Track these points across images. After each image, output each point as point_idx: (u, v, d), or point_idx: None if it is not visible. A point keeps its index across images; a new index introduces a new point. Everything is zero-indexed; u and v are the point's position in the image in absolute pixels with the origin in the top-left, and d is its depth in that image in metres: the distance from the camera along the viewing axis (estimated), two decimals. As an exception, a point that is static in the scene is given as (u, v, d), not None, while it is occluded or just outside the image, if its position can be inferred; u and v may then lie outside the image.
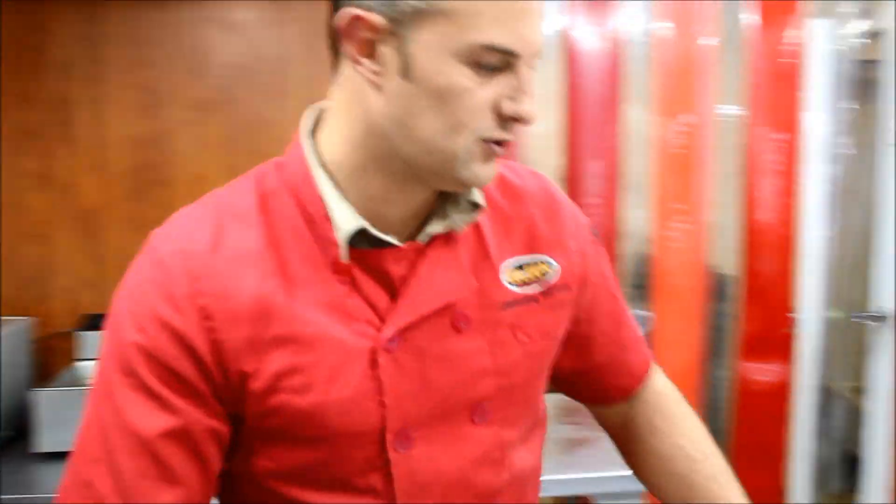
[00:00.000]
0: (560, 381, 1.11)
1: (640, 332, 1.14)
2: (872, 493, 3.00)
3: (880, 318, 2.67)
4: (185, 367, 0.81)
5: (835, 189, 2.76)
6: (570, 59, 2.58)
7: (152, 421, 0.80)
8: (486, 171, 0.84)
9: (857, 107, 2.75)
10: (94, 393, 0.84)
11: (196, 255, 0.82)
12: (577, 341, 1.05)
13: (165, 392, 0.80)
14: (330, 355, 0.83)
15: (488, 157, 0.83)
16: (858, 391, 3.28)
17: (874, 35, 2.70)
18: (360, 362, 0.84)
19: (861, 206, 3.08)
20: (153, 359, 0.81)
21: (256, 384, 0.82)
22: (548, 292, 0.96)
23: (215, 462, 0.85)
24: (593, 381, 1.10)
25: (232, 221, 0.85)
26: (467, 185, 0.86)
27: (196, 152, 2.50)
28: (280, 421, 0.83)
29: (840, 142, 2.76)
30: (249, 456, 0.87)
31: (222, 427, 0.84)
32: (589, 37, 2.58)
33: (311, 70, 2.46)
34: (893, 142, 2.60)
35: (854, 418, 3.51)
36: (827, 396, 3.36)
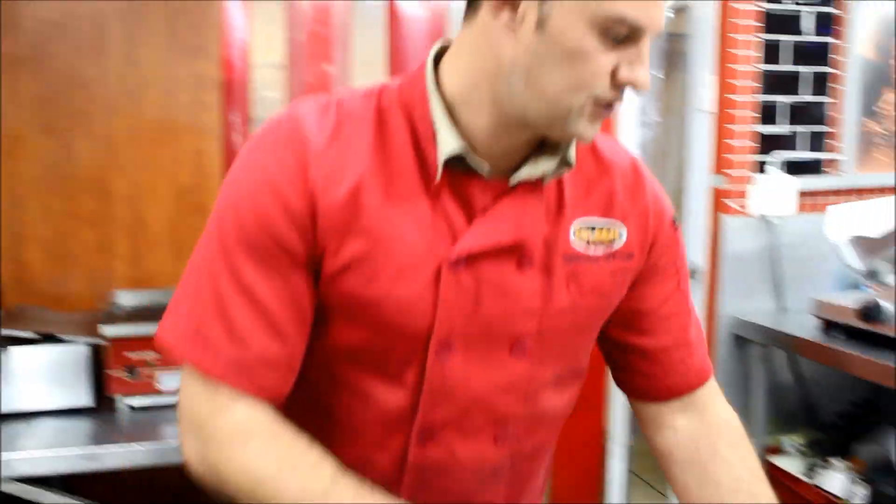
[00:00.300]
0: (618, 364, 1.13)
1: (704, 340, 1.14)
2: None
3: (691, 273, 2.89)
4: (293, 239, 0.90)
5: (645, 153, 2.95)
6: (393, 25, 2.61)
7: (264, 282, 0.89)
8: (591, 130, 0.91)
9: (663, 77, 2.94)
10: (207, 248, 0.92)
11: (316, 143, 0.91)
12: (639, 319, 1.08)
13: (276, 260, 0.89)
14: (401, 257, 0.91)
15: (597, 116, 0.90)
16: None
17: (679, 10, 2.88)
18: (425, 271, 0.91)
19: (671, 169, 3.30)
20: (266, 229, 0.89)
21: (332, 263, 0.91)
22: (610, 256, 1.01)
23: (310, 326, 0.94)
24: (649, 368, 1.10)
25: (350, 121, 0.94)
26: (571, 138, 0.93)
27: (9, 111, 2.36)
28: (343, 302, 0.92)
29: (649, 109, 2.95)
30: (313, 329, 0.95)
31: (315, 295, 0.93)
32: (412, 5, 2.62)
33: (130, 28, 2.36)
34: (700, 108, 2.80)
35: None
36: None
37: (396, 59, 2.62)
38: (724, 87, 2.86)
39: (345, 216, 0.90)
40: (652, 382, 1.11)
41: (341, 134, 0.92)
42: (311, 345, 0.95)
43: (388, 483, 0.95)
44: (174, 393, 1.66)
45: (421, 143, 0.93)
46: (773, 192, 2.86)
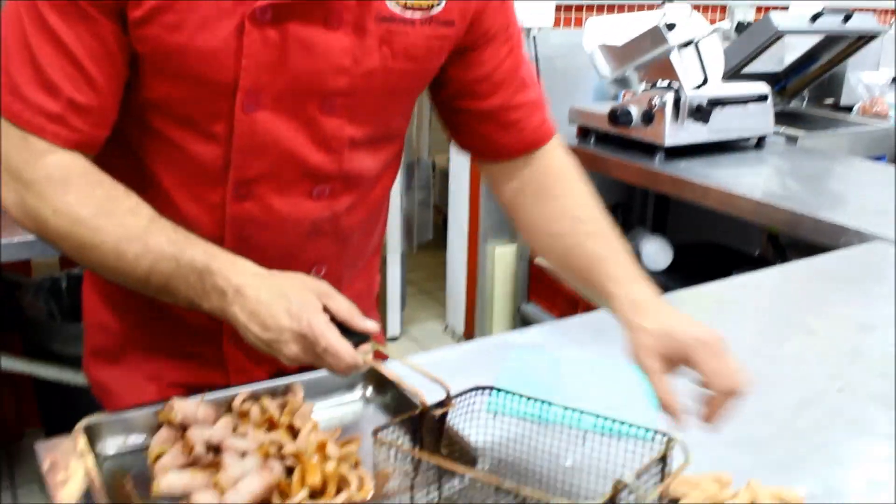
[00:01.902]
0: (457, 128, 1.14)
1: (544, 102, 1.15)
2: (455, 243, 3.47)
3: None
4: None
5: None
6: None
7: (70, 29, 0.87)
8: None
9: None
10: (12, 4, 0.88)
11: None
12: (474, 86, 1.09)
13: (79, 6, 0.87)
14: (204, 7, 0.89)
15: None
16: (447, 159, 3.67)
17: None
18: (228, 23, 0.90)
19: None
20: None
21: (136, 9, 0.88)
22: (428, 21, 1.00)
23: (124, 78, 0.93)
24: (487, 130, 1.12)
25: None
26: None
27: None
28: (150, 51, 0.90)
29: None
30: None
31: (126, 44, 0.91)
32: None
33: None
34: None
35: (443, 181, 3.94)
36: (416, 164, 3.72)
37: None
38: None
39: None
40: (492, 143, 1.13)
41: None
42: (127, 99, 0.95)
43: (209, 240, 0.96)
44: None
45: None
46: (532, 3, 2.92)
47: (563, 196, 1.10)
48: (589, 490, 0.84)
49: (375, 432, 0.74)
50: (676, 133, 2.49)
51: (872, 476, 0.96)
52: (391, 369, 0.96)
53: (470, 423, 0.90)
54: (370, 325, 0.88)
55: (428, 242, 4.02)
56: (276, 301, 0.86)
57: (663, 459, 0.71)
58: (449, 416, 0.86)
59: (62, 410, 2.32)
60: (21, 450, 2.62)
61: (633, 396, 1.10)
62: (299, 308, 0.85)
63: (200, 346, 1.12)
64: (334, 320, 0.87)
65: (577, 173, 1.13)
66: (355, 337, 0.87)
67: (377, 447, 0.77)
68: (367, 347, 0.88)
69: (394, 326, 3.54)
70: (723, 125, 2.57)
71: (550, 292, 3.07)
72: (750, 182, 2.30)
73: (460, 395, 0.86)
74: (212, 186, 0.99)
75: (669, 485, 0.69)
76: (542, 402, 0.86)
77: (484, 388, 0.87)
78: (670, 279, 2.53)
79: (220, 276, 0.88)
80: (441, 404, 0.82)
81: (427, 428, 0.82)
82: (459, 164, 3.33)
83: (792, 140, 2.88)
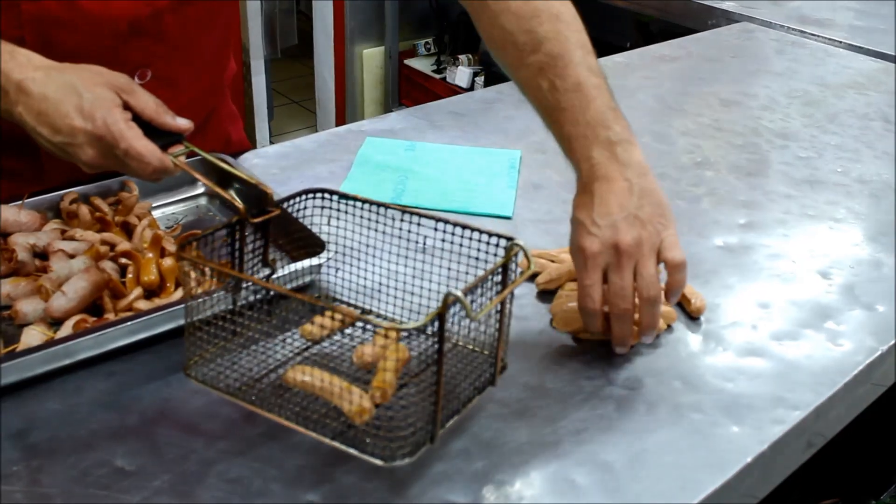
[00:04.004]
0: None
1: None
2: (321, 47, 3.31)
3: None
4: None
5: None
6: None
7: None
8: None
9: None
10: None
11: None
12: None
13: None
14: None
15: None
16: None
17: None
18: None
19: None
20: None
21: None
22: None
23: None
24: None
25: None
26: None
27: None
28: None
29: None
30: None
31: None
32: None
33: None
34: None
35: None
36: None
37: None
38: None
39: None
40: None
41: None
42: None
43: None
44: None
45: None
46: None
47: (503, 14, 0.85)
48: (430, 304, 0.75)
49: (180, 247, 0.65)
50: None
51: (727, 241, 0.97)
52: (236, 164, 0.87)
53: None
54: (181, 123, 0.78)
55: (294, 51, 3.82)
56: (66, 98, 0.74)
57: (504, 267, 0.65)
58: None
59: None
60: None
61: (489, 180, 1.08)
62: (91, 105, 0.73)
63: (14, 161, 1.00)
64: (139, 120, 0.76)
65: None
66: (165, 137, 0.76)
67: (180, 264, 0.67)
68: (179, 149, 0.77)
69: (263, 137, 3.41)
70: None
71: (421, 94, 2.99)
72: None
73: (288, 198, 0.76)
74: None
75: (506, 294, 0.63)
76: (379, 205, 0.73)
77: (314, 191, 0.77)
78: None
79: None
80: (262, 211, 0.72)
81: (252, 234, 0.72)
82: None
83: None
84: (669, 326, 0.81)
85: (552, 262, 0.87)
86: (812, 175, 1.13)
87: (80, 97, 0.74)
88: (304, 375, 0.63)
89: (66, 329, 0.74)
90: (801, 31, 1.73)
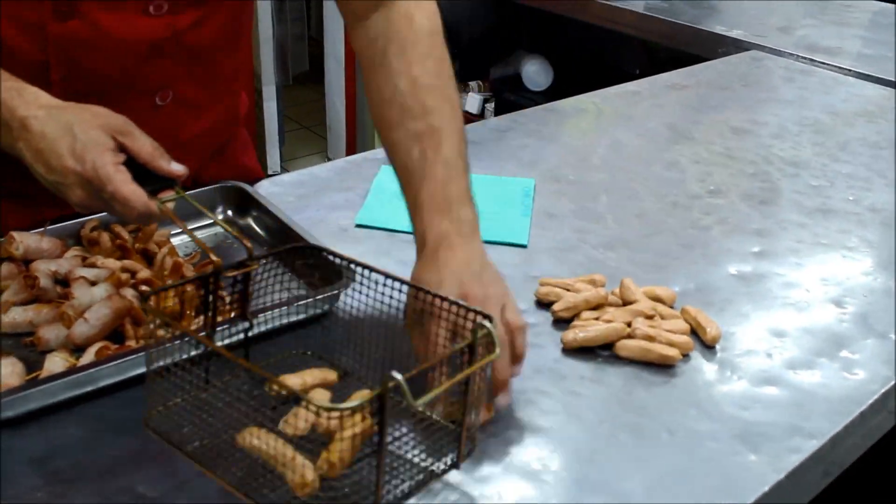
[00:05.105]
0: None
1: None
2: (333, 73, 3.34)
3: None
4: None
5: None
6: None
7: None
8: None
9: None
10: None
11: None
12: None
13: None
14: None
15: None
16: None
17: None
18: None
19: None
20: None
21: None
22: None
23: None
24: None
25: None
26: None
27: None
28: None
29: None
30: None
31: None
32: None
33: None
34: None
35: (318, 10, 3.74)
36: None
37: None
38: None
39: None
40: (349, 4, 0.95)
41: None
42: None
43: (33, 66, 0.87)
44: None
45: None
46: None
47: (397, 74, 0.89)
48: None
49: (145, 298, 0.64)
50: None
51: (741, 269, 0.98)
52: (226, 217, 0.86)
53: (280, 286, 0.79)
54: (175, 168, 0.78)
55: (306, 77, 3.86)
56: (62, 138, 0.75)
57: (471, 347, 0.62)
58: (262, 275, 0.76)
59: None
60: None
61: (503, 208, 1.09)
62: (84, 147, 0.74)
63: (36, 186, 1.01)
64: (134, 162, 0.76)
65: (428, 39, 0.92)
66: (158, 182, 0.76)
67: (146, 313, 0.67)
68: (170, 194, 0.77)
69: (274, 162, 3.43)
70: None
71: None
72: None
73: (272, 254, 0.76)
74: (28, 4, 0.87)
75: (464, 376, 0.60)
76: (364, 267, 0.74)
77: (303, 248, 0.78)
78: (551, 100, 2.49)
79: (6, 107, 0.76)
80: (240, 264, 0.71)
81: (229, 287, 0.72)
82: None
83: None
84: (686, 355, 0.81)
85: (567, 290, 0.87)
86: (824, 203, 1.14)
87: (75, 139, 0.74)
88: (254, 439, 0.61)
89: (89, 356, 0.75)
90: (811, 60, 1.74)
